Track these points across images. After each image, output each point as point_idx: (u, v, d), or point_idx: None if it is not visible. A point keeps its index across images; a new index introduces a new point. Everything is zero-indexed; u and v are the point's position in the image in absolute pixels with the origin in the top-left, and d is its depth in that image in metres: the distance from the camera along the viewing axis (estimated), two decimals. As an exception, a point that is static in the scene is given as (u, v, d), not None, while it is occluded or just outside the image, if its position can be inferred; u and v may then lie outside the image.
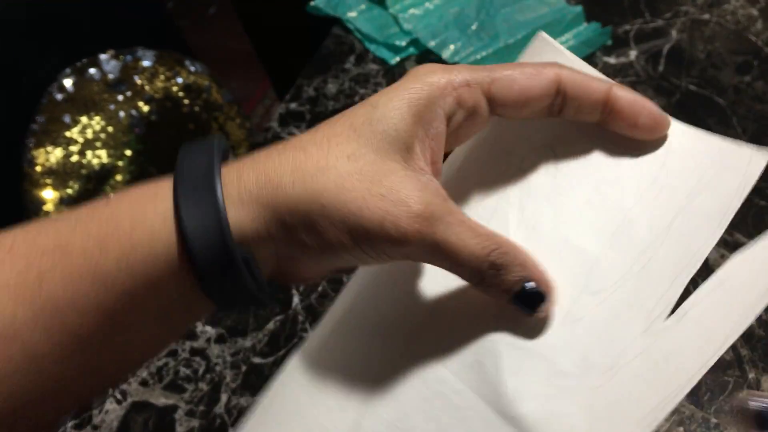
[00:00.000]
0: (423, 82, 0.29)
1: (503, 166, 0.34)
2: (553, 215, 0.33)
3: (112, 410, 0.53)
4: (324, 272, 0.34)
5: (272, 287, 0.32)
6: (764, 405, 0.26)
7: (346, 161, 0.28)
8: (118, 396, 0.54)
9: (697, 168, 0.32)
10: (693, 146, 0.32)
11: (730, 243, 0.53)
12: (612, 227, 0.32)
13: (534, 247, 0.31)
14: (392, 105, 0.29)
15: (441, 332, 0.33)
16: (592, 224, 0.32)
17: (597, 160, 0.33)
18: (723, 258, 0.52)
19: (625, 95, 0.31)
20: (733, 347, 0.49)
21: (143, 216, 0.27)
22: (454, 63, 0.66)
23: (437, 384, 0.32)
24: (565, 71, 0.30)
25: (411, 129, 0.29)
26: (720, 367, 0.48)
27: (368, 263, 0.31)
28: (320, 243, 0.28)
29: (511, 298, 0.29)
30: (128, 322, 0.28)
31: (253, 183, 0.28)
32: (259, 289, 0.29)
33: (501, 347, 0.31)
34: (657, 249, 0.32)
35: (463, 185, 0.34)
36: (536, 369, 0.31)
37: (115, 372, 0.30)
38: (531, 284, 0.29)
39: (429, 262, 0.29)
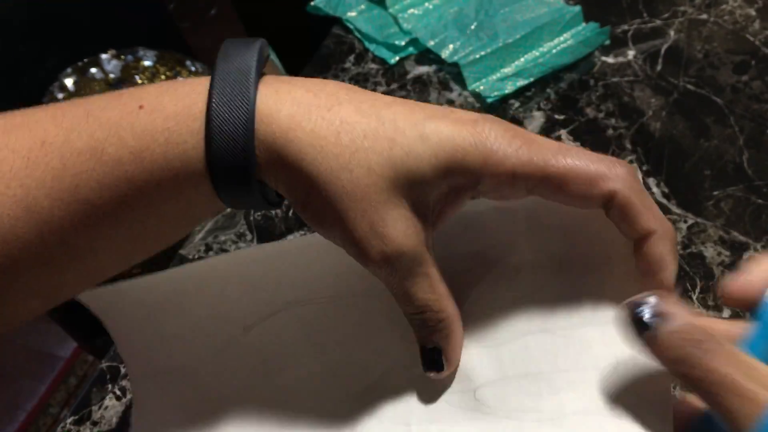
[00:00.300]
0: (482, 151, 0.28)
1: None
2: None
3: (111, 406, 0.53)
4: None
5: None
6: (638, 308, 0.26)
7: (366, 172, 0.28)
8: (118, 392, 0.54)
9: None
10: None
11: (727, 241, 0.53)
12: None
13: None
14: (435, 149, 0.28)
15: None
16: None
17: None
18: (720, 256, 0.53)
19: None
20: (730, 344, 0.49)
21: (178, 135, 0.27)
22: (453, 62, 0.67)
23: None
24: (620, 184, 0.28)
25: (437, 182, 0.28)
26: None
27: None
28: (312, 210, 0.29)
29: (423, 365, 0.31)
30: (150, 224, 0.29)
31: (289, 99, 0.28)
32: (275, 199, 0.30)
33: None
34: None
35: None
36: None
37: (107, 251, 0.30)
38: (439, 351, 0.31)
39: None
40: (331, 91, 0.29)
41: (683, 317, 0.25)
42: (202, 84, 0.28)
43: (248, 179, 0.28)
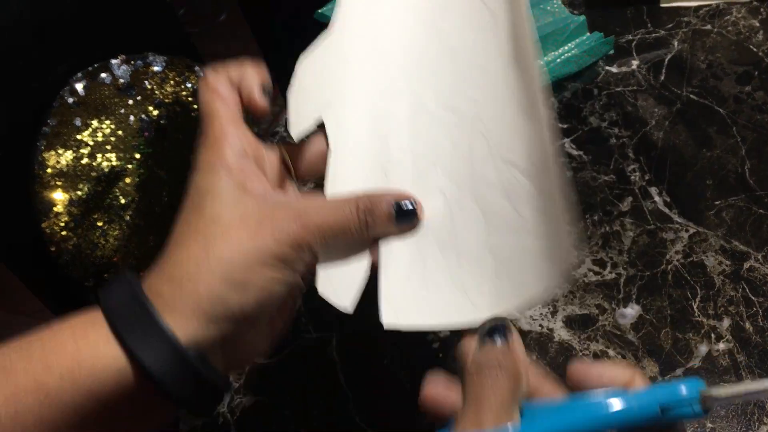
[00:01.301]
0: (224, 159, 0.34)
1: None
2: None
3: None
4: (267, 339, 0.37)
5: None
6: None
7: (214, 226, 0.33)
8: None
9: None
10: None
11: (728, 251, 0.54)
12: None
13: None
14: (207, 172, 0.34)
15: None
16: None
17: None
18: (721, 265, 0.53)
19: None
20: (730, 353, 0.50)
21: (85, 339, 0.30)
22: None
23: None
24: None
25: (239, 175, 0.34)
26: (716, 372, 0.49)
27: (293, 286, 0.35)
28: (252, 293, 0.32)
29: (395, 221, 0.36)
30: None
31: (168, 291, 0.31)
32: (224, 384, 0.33)
33: None
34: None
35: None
36: None
37: None
38: (398, 204, 0.36)
39: (329, 244, 0.35)
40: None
41: None
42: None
43: (194, 370, 0.31)
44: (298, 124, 0.39)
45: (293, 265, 0.33)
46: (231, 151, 0.34)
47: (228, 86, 0.37)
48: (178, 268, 0.32)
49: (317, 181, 0.40)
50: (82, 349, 0.29)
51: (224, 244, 0.32)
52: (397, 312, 0.35)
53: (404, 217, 0.36)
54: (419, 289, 0.36)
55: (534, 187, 0.36)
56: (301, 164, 0.39)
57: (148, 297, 0.31)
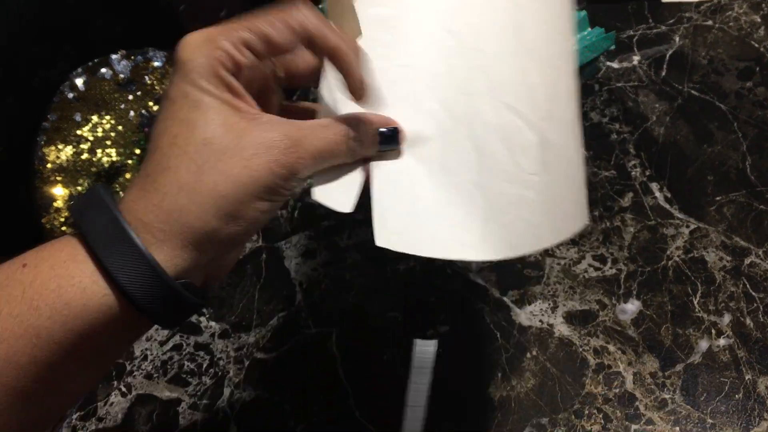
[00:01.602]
0: (195, 62, 0.31)
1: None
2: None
3: (117, 402, 0.54)
4: (238, 252, 0.38)
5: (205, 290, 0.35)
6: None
7: (207, 151, 0.31)
8: (123, 389, 0.55)
9: None
10: None
11: (729, 246, 0.54)
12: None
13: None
14: (194, 92, 0.31)
15: None
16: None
17: None
18: (722, 261, 0.53)
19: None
20: (731, 349, 0.50)
21: (69, 277, 0.29)
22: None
23: None
24: (309, 13, 0.34)
25: (224, 96, 0.31)
26: (716, 368, 0.49)
27: (279, 206, 0.35)
28: (244, 224, 0.31)
29: (379, 146, 0.35)
30: (66, 370, 0.30)
31: (160, 222, 0.30)
32: (202, 299, 0.32)
33: None
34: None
35: None
36: None
37: (57, 412, 0.32)
38: (382, 130, 0.35)
39: (317, 167, 0.34)
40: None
41: None
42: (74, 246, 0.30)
43: (174, 292, 0.30)
44: None
45: (284, 194, 0.33)
46: (218, 63, 0.32)
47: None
48: (168, 198, 0.30)
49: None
50: (69, 290, 0.29)
51: (218, 174, 0.30)
52: (390, 234, 0.35)
53: (387, 142, 0.36)
54: (409, 215, 0.36)
55: (536, 137, 0.35)
56: (293, 77, 0.38)
57: (131, 228, 0.30)
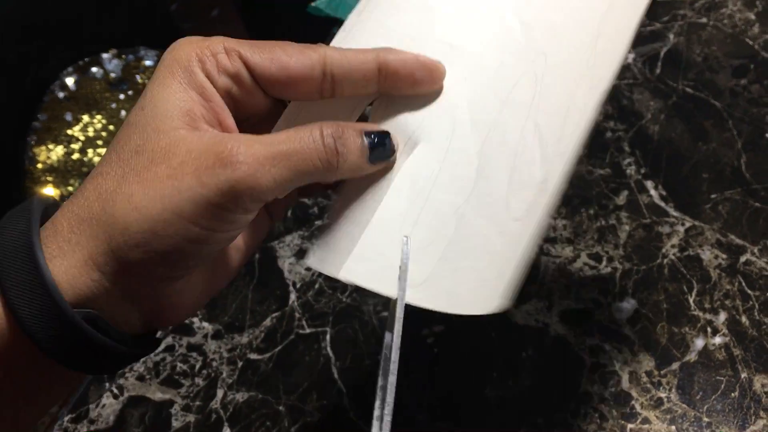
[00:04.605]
0: (179, 52, 0.28)
1: None
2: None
3: (108, 404, 0.53)
4: (201, 292, 0.31)
5: (150, 336, 0.30)
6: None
7: (136, 157, 0.27)
8: (115, 390, 0.54)
9: None
10: None
11: (724, 245, 0.53)
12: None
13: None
14: (157, 83, 0.28)
15: None
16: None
17: None
18: (717, 259, 0.53)
19: (395, 56, 0.30)
20: (726, 347, 0.49)
21: None
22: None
23: None
24: (331, 52, 0.29)
25: (183, 94, 0.28)
26: (712, 366, 0.49)
27: (224, 243, 0.29)
28: (161, 250, 0.26)
29: (369, 157, 0.30)
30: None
31: (67, 230, 0.26)
32: (123, 342, 0.27)
33: None
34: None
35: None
36: None
37: None
38: (371, 135, 0.30)
39: (281, 186, 0.27)
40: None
41: None
42: None
43: (67, 319, 0.25)
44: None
45: (227, 217, 0.27)
46: (194, 59, 0.28)
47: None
48: (87, 204, 0.26)
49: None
50: None
51: (137, 183, 0.26)
52: (366, 271, 0.30)
53: (379, 152, 0.30)
54: (370, 239, 0.30)
55: (541, 175, 0.31)
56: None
57: (40, 236, 0.26)
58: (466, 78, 0.32)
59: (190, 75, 0.28)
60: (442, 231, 0.30)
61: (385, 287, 0.30)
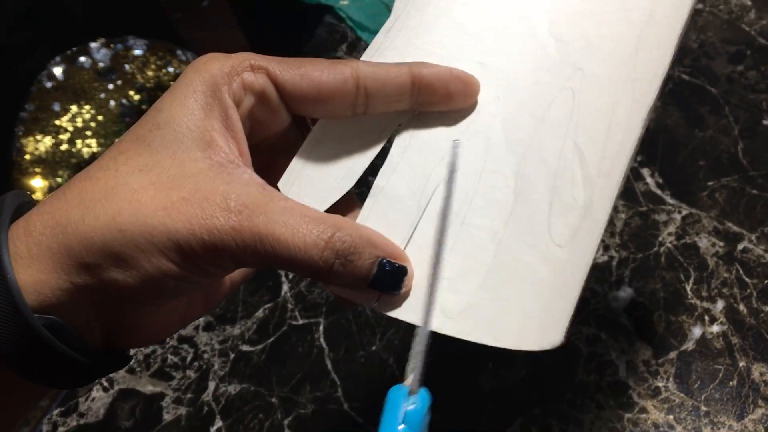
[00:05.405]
0: (204, 72, 0.27)
1: None
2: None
3: (98, 398, 0.53)
4: (173, 320, 0.30)
5: (117, 355, 0.28)
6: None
7: (138, 175, 0.25)
8: (105, 383, 0.53)
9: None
10: None
11: (721, 232, 0.53)
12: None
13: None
14: (178, 103, 0.26)
15: None
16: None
17: None
18: (714, 246, 0.52)
19: (429, 69, 0.29)
20: (724, 335, 0.49)
21: None
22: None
23: None
24: (364, 66, 0.28)
25: (204, 122, 0.26)
26: (710, 355, 0.48)
27: (203, 286, 0.28)
28: (136, 276, 0.24)
29: (371, 283, 0.27)
30: None
31: (40, 231, 0.24)
32: (85, 354, 0.26)
33: None
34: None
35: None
36: None
37: None
38: (387, 262, 0.27)
39: (263, 265, 0.26)
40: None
41: None
42: None
43: (26, 323, 0.24)
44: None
45: (207, 270, 0.25)
46: (223, 76, 0.27)
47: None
48: (65, 210, 0.24)
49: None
50: None
51: (128, 202, 0.24)
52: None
53: (383, 283, 0.27)
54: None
55: (584, 197, 0.29)
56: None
57: (6, 237, 0.24)
58: (499, 97, 0.31)
59: (214, 100, 0.26)
60: (480, 257, 0.29)
61: (417, 317, 0.29)
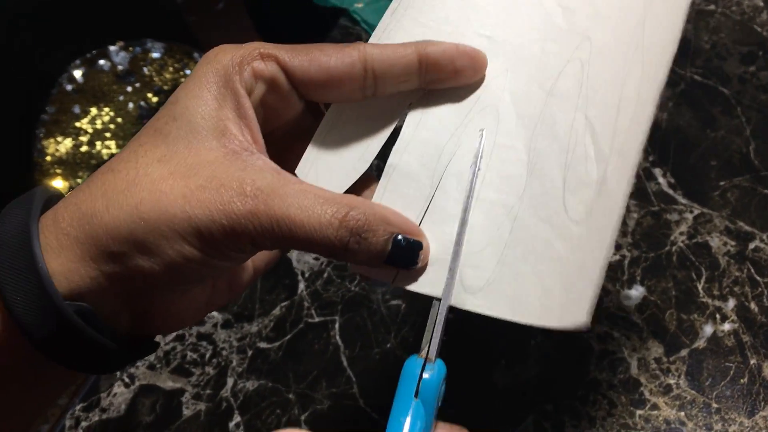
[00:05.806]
0: (215, 63, 0.28)
1: None
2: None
3: (120, 393, 0.54)
4: (198, 306, 0.31)
5: (145, 341, 0.29)
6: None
7: (157, 166, 0.26)
8: (126, 379, 0.54)
9: None
10: None
11: (733, 231, 0.53)
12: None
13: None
14: (191, 94, 0.27)
15: None
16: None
17: None
18: (726, 246, 0.53)
19: (435, 47, 0.30)
20: (735, 333, 0.49)
21: None
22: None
23: None
24: (370, 48, 0.29)
25: (218, 112, 0.27)
26: (721, 353, 0.49)
27: (225, 270, 0.29)
28: (161, 263, 0.25)
29: (387, 259, 0.28)
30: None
31: (68, 223, 0.25)
32: (114, 340, 0.27)
33: None
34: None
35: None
36: None
37: None
38: (401, 237, 0.28)
39: (281, 246, 0.27)
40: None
41: None
42: None
43: (58, 310, 0.25)
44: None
45: (220, 255, 0.26)
46: (233, 66, 0.28)
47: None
48: (90, 201, 0.26)
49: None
50: None
51: (148, 192, 0.25)
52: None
53: (399, 259, 0.28)
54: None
55: (598, 173, 0.29)
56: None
57: (38, 227, 0.25)
58: (508, 69, 0.31)
59: (227, 90, 0.27)
60: (497, 233, 0.29)
61: (436, 290, 0.29)
